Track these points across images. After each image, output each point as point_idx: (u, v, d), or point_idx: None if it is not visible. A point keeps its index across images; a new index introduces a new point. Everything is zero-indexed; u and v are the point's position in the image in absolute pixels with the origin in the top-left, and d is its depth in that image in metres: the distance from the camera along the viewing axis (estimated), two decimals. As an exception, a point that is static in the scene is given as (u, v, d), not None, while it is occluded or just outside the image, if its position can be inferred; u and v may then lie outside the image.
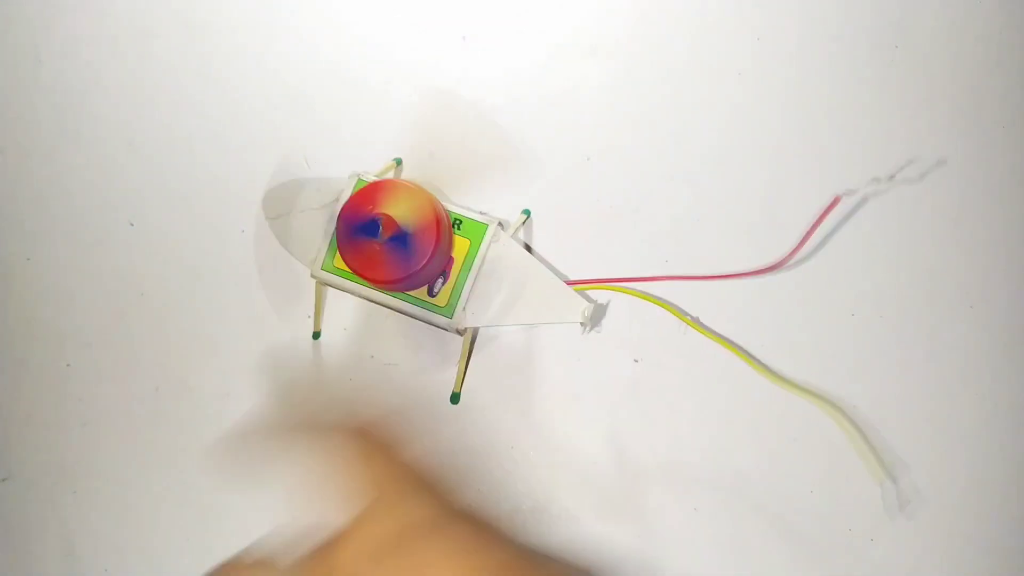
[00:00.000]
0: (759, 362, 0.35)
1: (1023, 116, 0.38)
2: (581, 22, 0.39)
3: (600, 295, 0.36)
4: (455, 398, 0.36)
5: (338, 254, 0.33)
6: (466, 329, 0.33)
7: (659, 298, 0.36)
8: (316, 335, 0.37)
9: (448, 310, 0.33)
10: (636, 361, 0.36)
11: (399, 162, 0.36)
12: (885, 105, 0.38)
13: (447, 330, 0.34)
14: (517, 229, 0.35)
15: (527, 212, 0.37)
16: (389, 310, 0.34)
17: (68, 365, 0.38)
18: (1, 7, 0.41)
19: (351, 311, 0.37)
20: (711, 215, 0.37)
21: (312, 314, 0.37)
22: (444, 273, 0.33)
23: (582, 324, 0.33)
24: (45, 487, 0.37)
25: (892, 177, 0.36)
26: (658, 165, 0.38)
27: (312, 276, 0.34)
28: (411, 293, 0.33)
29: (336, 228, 0.33)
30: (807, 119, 0.38)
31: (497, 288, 0.33)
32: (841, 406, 0.35)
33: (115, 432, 0.37)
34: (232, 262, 0.38)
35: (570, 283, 0.34)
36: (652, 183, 0.38)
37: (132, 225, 0.39)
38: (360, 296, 0.34)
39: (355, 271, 0.32)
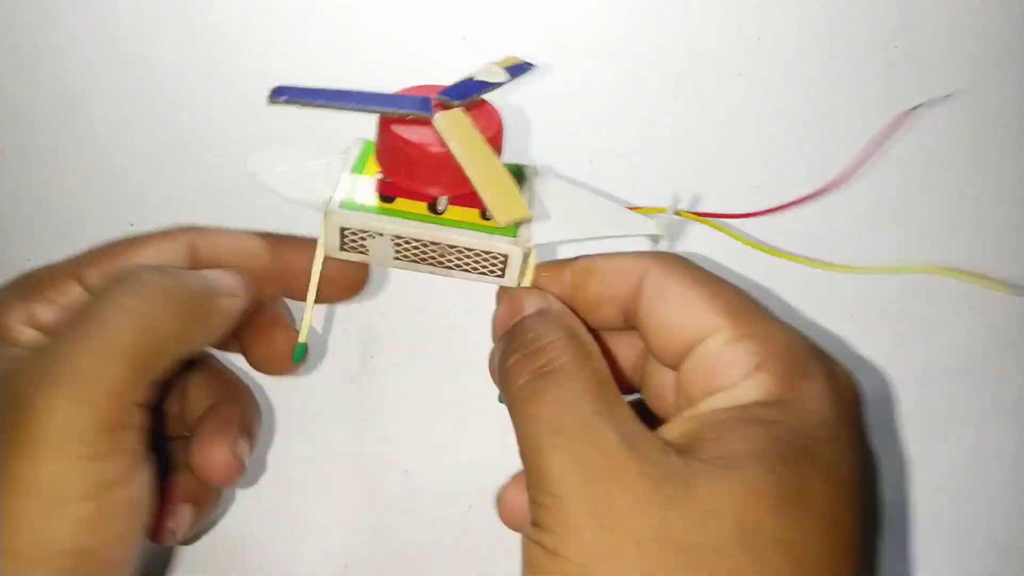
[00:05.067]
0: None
1: (1022, 116, 0.38)
2: (581, 22, 0.39)
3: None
4: None
5: (359, 196, 0.27)
6: (530, 250, 0.26)
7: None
8: (301, 349, 0.28)
9: (510, 230, 0.26)
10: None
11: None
12: (885, 105, 0.38)
13: (510, 255, 0.26)
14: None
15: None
16: (426, 263, 0.27)
17: (68, 365, 0.38)
18: (1, 7, 0.41)
19: (352, 312, 0.37)
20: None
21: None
22: None
23: (655, 238, 0.28)
24: (45, 487, 0.37)
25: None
26: (659, 166, 0.38)
27: (327, 217, 0.26)
28: (463, 219, 0.26)
29: (378, 134, 0.27)
30: (807, 119, 0.38)
31: (558, 208, 0.28)
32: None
33: (115, 432, 0.37)
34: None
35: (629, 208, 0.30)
36: (652, 184, 0.38)
37: (132, 225, 0.39)
38: (397, 234, 0.26)
39: (406, 177, 0.26)
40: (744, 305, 0.24)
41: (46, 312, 0.25)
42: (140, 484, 0.23)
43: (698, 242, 0.37)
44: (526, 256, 0.26)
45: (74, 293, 0.26)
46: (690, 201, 0.37)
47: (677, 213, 0.29)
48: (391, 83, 0.39)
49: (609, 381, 0.23)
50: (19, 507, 0.20)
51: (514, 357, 0.24)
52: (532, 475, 0.21)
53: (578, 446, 0.21)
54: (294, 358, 0.28)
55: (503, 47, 0.40)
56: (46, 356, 0.22)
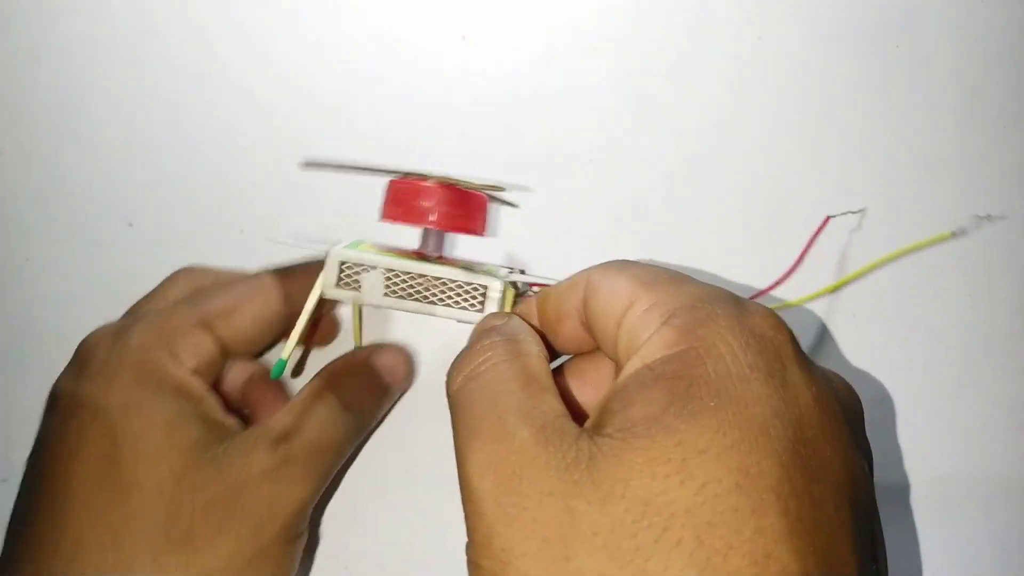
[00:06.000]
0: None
1: (1023, 116, 0.38)
2: (582, 21, 0.39)
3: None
4: None
5: (360, 245, 0.31)
6: (507, 287, 0.30)
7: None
8: (280, 365, 0.30)
9: (491, 272, 0.30)
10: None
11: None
12: (886, 105, 0.38)
13: (489, 286, 0.29)
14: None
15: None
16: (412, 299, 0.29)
17: (67, 366, 0.38)
18: (0, 7, 0.41)
19: (351, 310, 0.37)
20: (712, 216, 0.37)
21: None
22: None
23: None
24: (44, 488, 0.37)
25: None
26: (659, 165, 0.38)
27: (330, 254, 0.30)
28: (448, 265, 0.30)
29: (386, 189, 0.31)
30: (808, 119, 0.38)
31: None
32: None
33: (114, 433, 0.37)
34: (231, 262, 0.38)
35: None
36: (653, 184, 0.38)
37: (131, 225, 0.39)
38: (389, 267, 0.29)
39: (404, 212, 0.30)
40: (661, 276, 0.23)
41: (191, 361, 0.30)
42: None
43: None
44: (504, 291, 0.29)
45: (210, 350, 0.30)
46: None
47: None
48: (391, 82, 0.39)
49: (538, 376, 0.22)
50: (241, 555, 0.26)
51: (451, 366, 0.24)
52: (460, 486, 0.20)
53: (490, 447, 0.20)
54: (272, 374, 0.30)
55: (503, 47, 0.40)
56: (276, 470, 0.28)
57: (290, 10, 0.40)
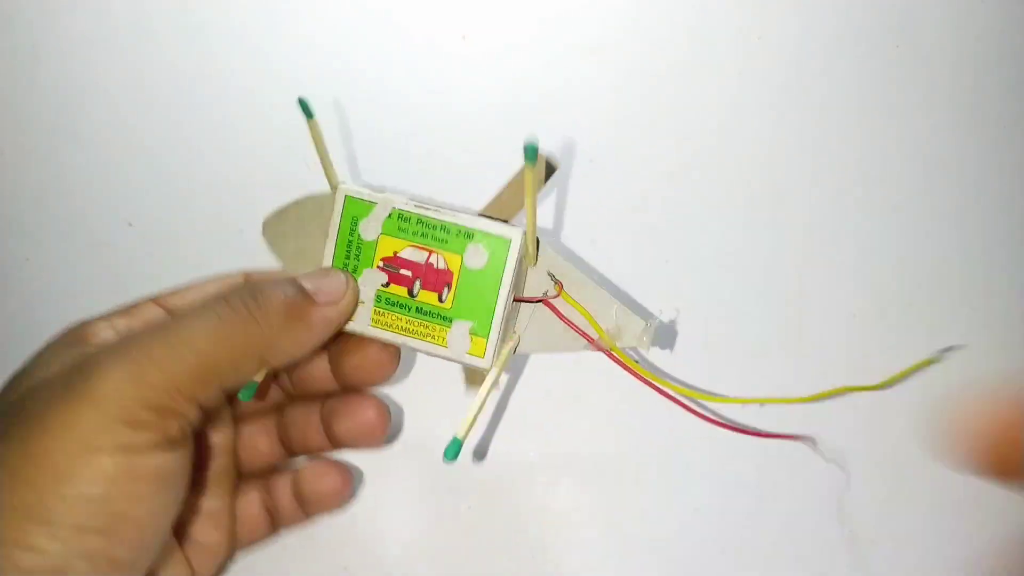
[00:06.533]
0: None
1: (1023, 116, 0.38)
2: (582, 22, 0.39)
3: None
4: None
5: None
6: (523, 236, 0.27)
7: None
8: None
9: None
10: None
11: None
12: (886, 105, 0.38)
13: (513, 238, 0.28)
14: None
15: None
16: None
17: (67, 366, 0.38)
18: (0, 7, 0.41)
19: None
20: (712, 216, 0.37)
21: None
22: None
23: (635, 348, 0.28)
24: (44, 488, 0.37)
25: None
26: (659, 165, 0.38)
27: (338, 190, 0.28)
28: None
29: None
30: (808, 119, 0.38)
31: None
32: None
33: (114, 433, 0.37)
34: (231, 262, 0.38)
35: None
36: (653, 184, 0.38)
37: (131, 225, 0.39)
38: (400, 207, 0.28)
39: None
40: None
41: (123, 322, 0.28)
42: (170, 463, 0.24)
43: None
44: (523, 245, 0.28)
45: (153, 311, 0.29)
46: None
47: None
48: (391, 82, 0.39)
49: None
50: (56, 447, 0.23)
51: None
52: None
53: None
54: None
55: (503, 47, 0.40)
56: (126, 339, 0.25)
57: (290, 10, 0.40)
